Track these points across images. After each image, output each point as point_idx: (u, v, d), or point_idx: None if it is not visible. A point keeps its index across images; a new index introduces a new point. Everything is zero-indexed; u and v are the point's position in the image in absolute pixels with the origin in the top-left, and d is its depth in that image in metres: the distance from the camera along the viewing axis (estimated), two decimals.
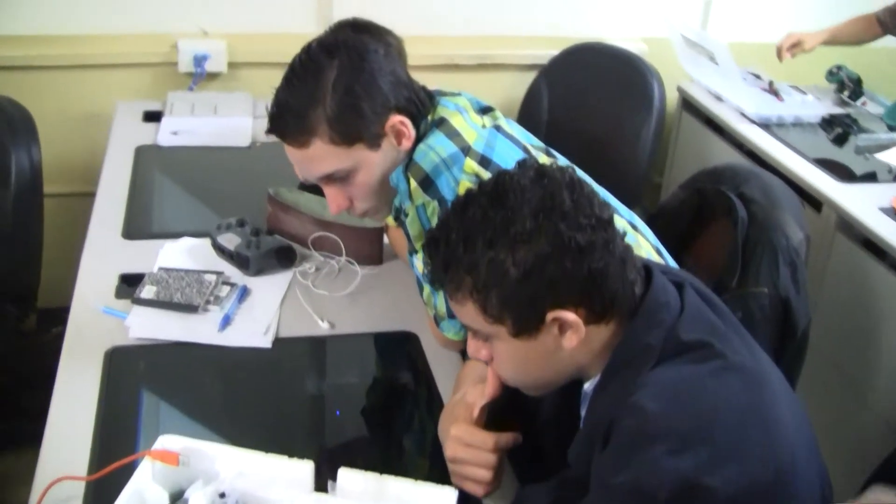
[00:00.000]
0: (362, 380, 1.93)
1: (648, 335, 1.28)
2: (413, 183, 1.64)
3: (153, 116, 2.90)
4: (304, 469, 1.35)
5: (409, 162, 1.67)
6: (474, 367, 1.62)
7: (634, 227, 1.85)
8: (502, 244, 1.24)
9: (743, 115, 3.17)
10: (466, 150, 1.65)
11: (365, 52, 1.66)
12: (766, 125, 3.11)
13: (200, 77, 3.10)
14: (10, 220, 2.35)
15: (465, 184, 1.60)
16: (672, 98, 3.41)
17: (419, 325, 1.93)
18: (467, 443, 1.45)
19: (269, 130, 1.70)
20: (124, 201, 2.37)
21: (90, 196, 2.43)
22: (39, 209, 2.48)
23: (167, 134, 2.76)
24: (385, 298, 2.05)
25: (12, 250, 2.40)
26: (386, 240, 2.17)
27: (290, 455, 1.37)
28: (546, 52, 3.33)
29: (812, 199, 2.70)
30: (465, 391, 1.54)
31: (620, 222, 1.81)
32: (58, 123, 3.10)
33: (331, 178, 1.70)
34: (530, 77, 3.32)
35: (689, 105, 3.46)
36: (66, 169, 3.16)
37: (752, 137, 3.03)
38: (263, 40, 3.06)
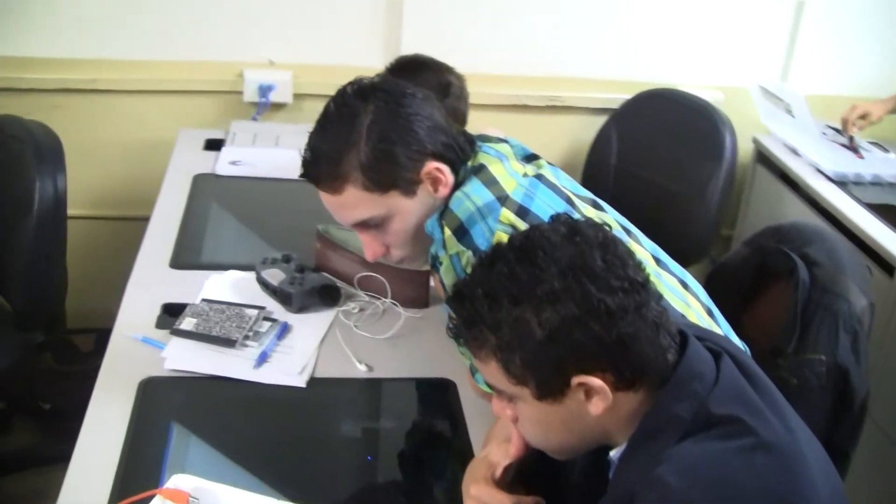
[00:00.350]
0: (396, 425, 1.88)
1: (678, 406, 1.22)
2: (447, 231, 1.60)
3: (215, 145, 2.90)
4: None
5: (444, 209, 1.63)
6: (504, 425, 1.56)
7: (685, 286, 1.78)
8: (528, 303, 1.19)
9: (819, 171, 3.07)
10: (503, 199, 1.60)
11: (401, 96, 1.63)
12: (842, 183, 3.01)
13: (265, 107, 3.10)
14: (31, 248, 2.36)
15: (501, 234, 1.55)
16: (747, 150, 3.33)
17: (458, 372, 1.88)
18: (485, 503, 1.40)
19: (302, 175, 1.67)
20: (176, 229, 2.38)
21: (147, 220, 2.44)
22: (62, 237, 2.48)
23: (226, 163, 2.75)
24: (426, 344, 2.00)
25: (34, 278, 2.41)
26: (433, 283, 2.13)
27: (316, 500, 1.37)
28: (618, 96, 3.27)
29: (885, 263, 2.60)
30: (489, 449, 1.49)
31: (670, 280, 1.75)
32: (121, 147, 3.15)
33: (365, 225, 1.67)
34: (600, 121, 3.26)
35: (763, 158, 3.36)
36: (126, 192, 3.20)
37: (827, 195, 2.93)
38: (330, 72, 3.02)
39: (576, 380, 1.20)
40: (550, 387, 1.22)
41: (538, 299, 1.19)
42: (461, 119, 2.37)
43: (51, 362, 3.06)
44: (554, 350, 1.19)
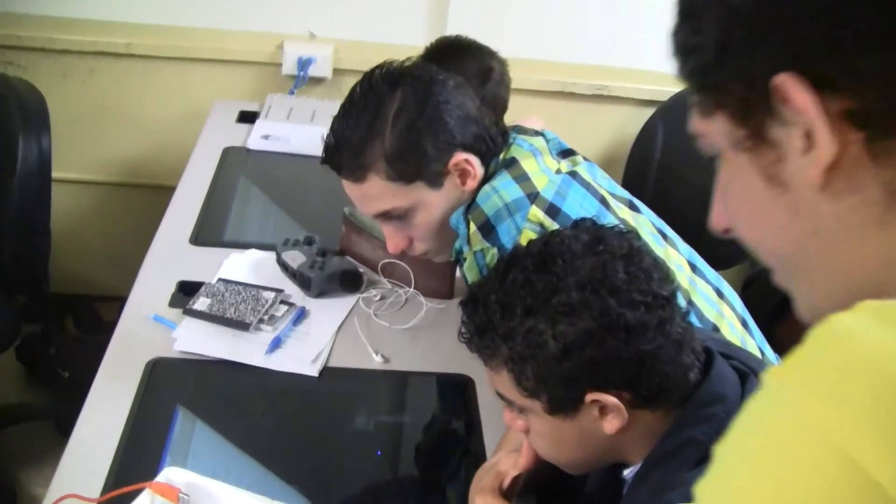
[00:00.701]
0: (409, 420, 1.82)
1: (695, 429, 1.15)
2: (473, 227, 1.53)
3: (248, 117, 2.82)
4: None
5: (471, 203, 1.56)
6: (517, 433, 1.50)
7: (720, 295, 1.71)
8: (543, 314, 1.13)
9: None
10: (534, 196, 1.53)
11: (431, 83, 1.55)
12: None
13: (303, 81, 3.02)
14: (15, 210, 2.32)
15: (528, 233, 1.48)
16: None
17: (478, 370, 1.79)
18: None
19: (324, 162, 1.61)
20: (199, 204, 2.31)
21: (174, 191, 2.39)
22: (47, 198, 2.43)
23: (257, 138, 2.67)
24: (447, 337, 1.91)
25: (17, 239, 2.37)
26: (459, 274, 2.06)
27: (322, 492, 1.35)
28: (666, 89, 3.15)
29: None
30: (499, 457, 1.43)
31: (705, 288, 1.68)
32: (155, 114, 3.10)
33: (388, 216, 1.61)
34: (647, 113, 3.15)
35: None
36: (158, 160, 3.15)
37: None
38: (372, 49, 2.95)
39: (590, 396, 1.14)
40: (563, 402, 1.17)
41: (553, 311, 1.12)
42: (502, 106, 2.29)
43: (73, 330, 3.04)
44: (568, 365, 1.13)
